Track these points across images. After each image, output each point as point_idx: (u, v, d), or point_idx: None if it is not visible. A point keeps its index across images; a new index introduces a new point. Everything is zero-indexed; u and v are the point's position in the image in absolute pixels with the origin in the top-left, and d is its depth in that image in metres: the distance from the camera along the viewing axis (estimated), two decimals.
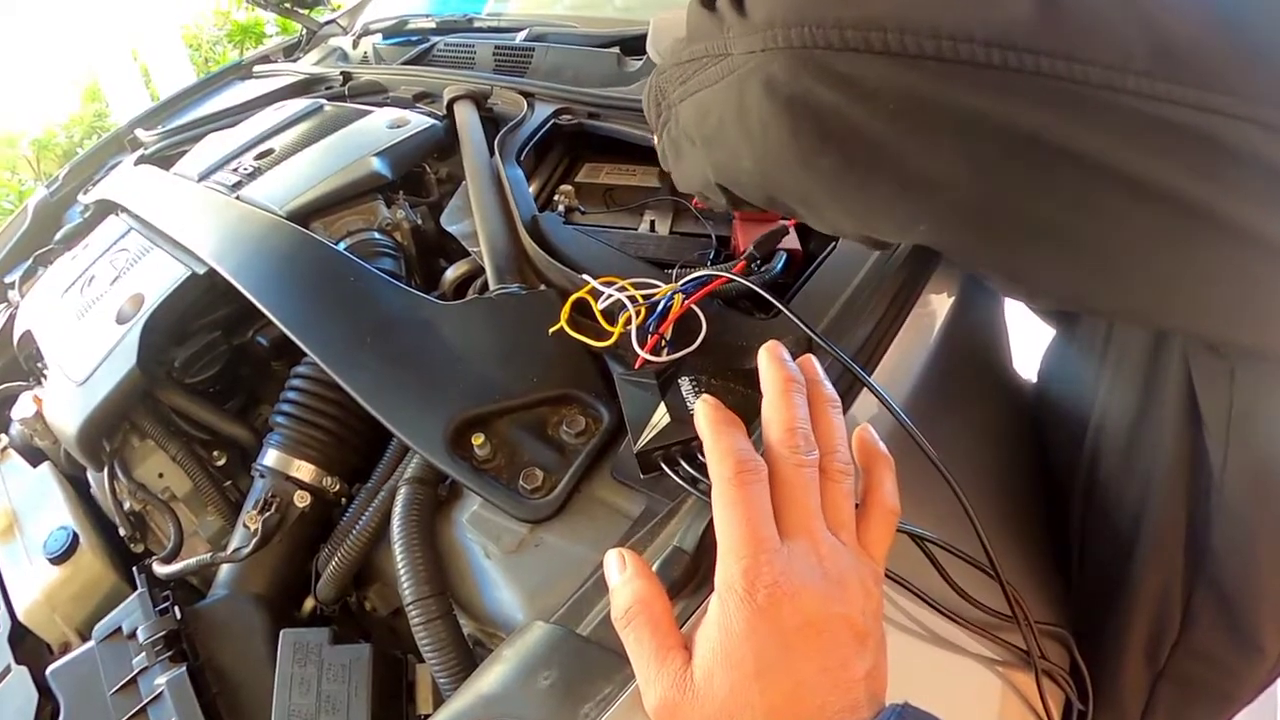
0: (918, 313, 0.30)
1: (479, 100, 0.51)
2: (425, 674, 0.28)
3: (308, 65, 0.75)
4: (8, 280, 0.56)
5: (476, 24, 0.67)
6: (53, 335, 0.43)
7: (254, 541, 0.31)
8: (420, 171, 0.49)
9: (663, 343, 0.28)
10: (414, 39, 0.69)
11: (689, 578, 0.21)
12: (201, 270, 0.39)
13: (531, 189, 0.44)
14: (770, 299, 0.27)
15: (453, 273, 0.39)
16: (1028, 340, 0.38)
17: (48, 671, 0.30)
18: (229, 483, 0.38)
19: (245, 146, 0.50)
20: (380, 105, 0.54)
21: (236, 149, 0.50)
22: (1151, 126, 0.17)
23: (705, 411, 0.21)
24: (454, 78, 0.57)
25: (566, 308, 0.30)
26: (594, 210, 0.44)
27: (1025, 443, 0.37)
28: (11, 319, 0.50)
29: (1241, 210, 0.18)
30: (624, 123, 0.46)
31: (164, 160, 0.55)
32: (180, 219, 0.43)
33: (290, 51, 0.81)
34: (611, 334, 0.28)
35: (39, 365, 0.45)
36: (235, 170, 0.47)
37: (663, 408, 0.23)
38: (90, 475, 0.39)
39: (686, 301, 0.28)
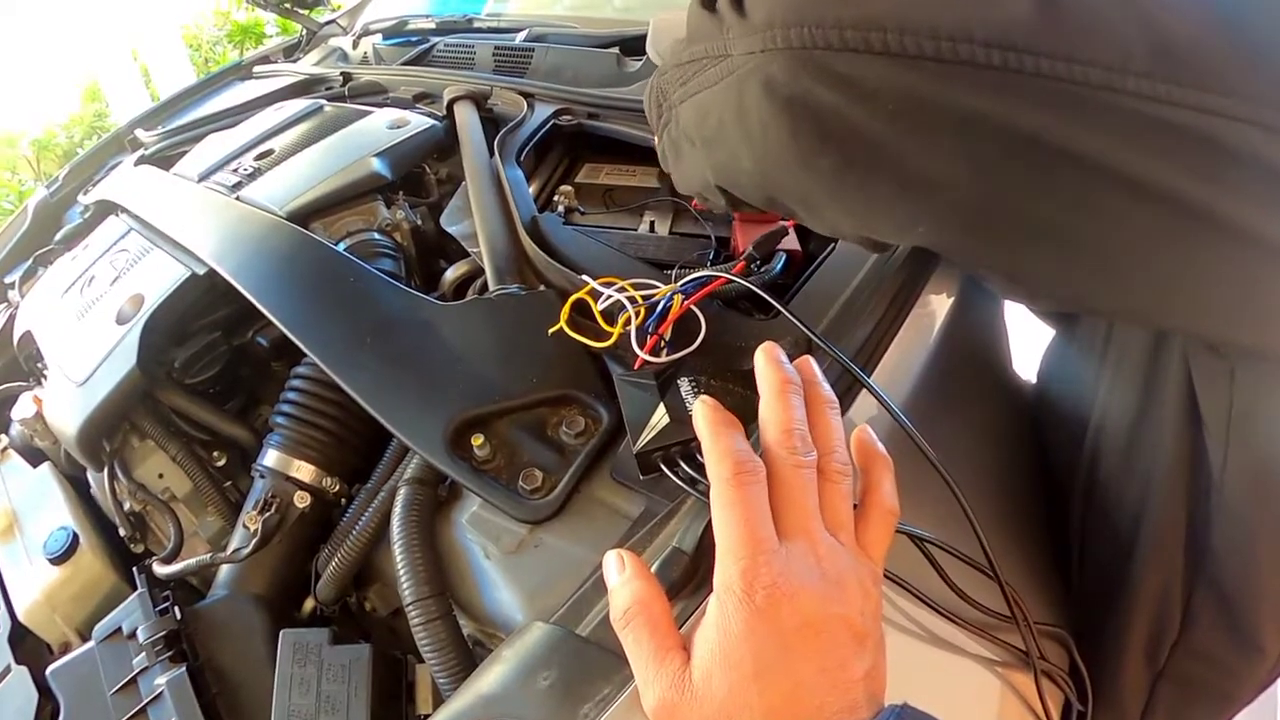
0: (917, 313, 0.30)
1: (479, 101, 0.51)
2: (425, 674, 0.28)
3: (308, 66, 0.75)
4: (8, 280, 0.56)
5: (476, 24, 0.67)
6: (53, 335, 0.43)
7: (254, 542, 0.31)
8: (420, 172, 0.49)
9: (662, 343, 0.28)
10: (414, 39, 0.69)
11: (688, 578, 0.21)
12: (201, 271, 0.39)
13: (531, 189, 0.44)
14: (770, 300, 0.27)
15: (452, 273, 0.40)
16: (1027, 341, 0.38)
17: (48, 671, 0.30)
18: (229, 483, 0.38)
19: (245, 147, 0.50)
20: (380, 106, 0.54)
21: (236, 149, 0.50)
22: (1151, 127, 0.17)
23: (703, 412, 0.21)
24: (454, 78, 0.57)
25: (566, 308, 0.30)
26: (594, 211, 0.44)
27: (1025, 443, 0.37)
28: (11, 319, 0.50)
29: (1241, 211, 0.18)
30: (624, 123, 0.46)
31: (164, 161, 0.55)
32: (180, 219, 0.43)
33: (290, 52, 0.81)
34: (611, 334, 0.28)
35: (39, 365, 0.45)
36: (235, 171, 0.47)
37: (662, 408, 0.23)
38: (90, 475, 0.39)
39: (686, 302, 0.28)
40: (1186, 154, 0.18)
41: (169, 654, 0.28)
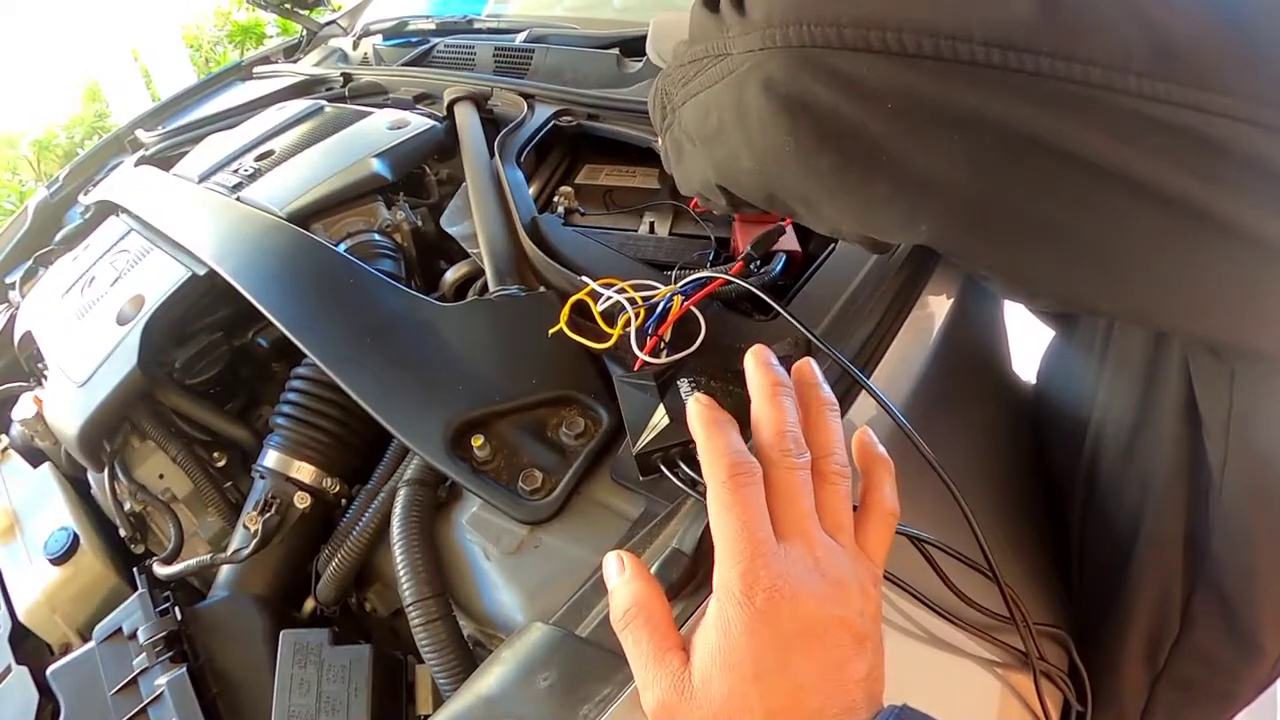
0: (917, 314, 0.30)
1: (479, 101, 0.51)
2: (425, 675, 0.28)
3: (308, 66, 0.75)
4: (8, 281, 0.56)
5: (476, 25, 0.67)
6: (53, 336, 0.43)
7: (254, 543, 0.31)
8: (420, 173, 0.49)
9: (662, 344, 0.28)
10: (414, 40, 0.69)
11: (688, 579, 0.21)
12: (202, 271, 0.39)
13: (531, 190, 0.44)
14: (769, 301, 0.27)
15: (453, 274, 0.40)
16: (1027, 341, 0.38)
17: (48, 672, 0.30)
18: (229, 484, 0.38)
19: (246, 148, 0.50)
20: (381, 106, 0.54)
21: (237, 150, 0.50)
22: (1151, 127, 0.17)
23: (697, 411, 0.21)
24: (454, 79, 0.57)
25: (566, 309, 0.30)
26: (594, 211, 0.44)
27: (1024, 444, 0.37)
28: (12, 320, 0.50)
29: (1241, 211, 0.18)
30: (624, 124, 0.46)
31: (164, 161, 0.55)
32: (181, 220, 0.43)
33: (291, 52, 0.81)
34: (611, 335, 0.28)
35: (39, 366, 0.45)
36: (236, 171, 0.47)
37: (662, 409, 0.23)
38: (91, 476, 0.39)
39: (685, 303, 0.28)
40: (1186, 153, 0.18)
41: (169, 654, 0.28)
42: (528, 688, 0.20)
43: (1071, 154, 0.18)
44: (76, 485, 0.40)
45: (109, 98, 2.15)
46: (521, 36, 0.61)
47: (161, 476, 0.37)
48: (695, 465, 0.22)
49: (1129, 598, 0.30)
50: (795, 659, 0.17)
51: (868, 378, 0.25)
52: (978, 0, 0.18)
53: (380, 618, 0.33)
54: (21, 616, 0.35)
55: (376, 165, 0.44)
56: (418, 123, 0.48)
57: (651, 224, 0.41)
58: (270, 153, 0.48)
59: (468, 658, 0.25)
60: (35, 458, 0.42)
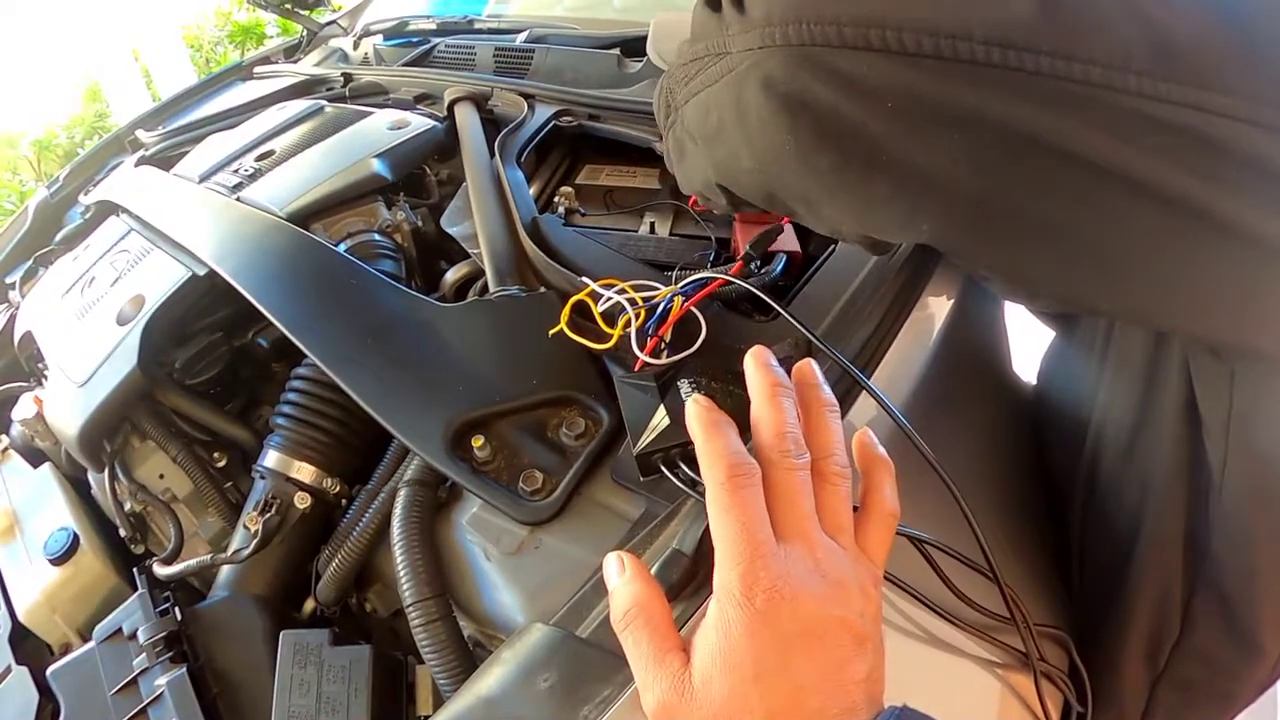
0: (917, 315, 0.30)
1: (480, 102, 0.51)
2: (425, 675, 0.28)
3: (308, 66, 0.75)
4: (8, 281, 0.56)
5: (477, 25, 0.67)
6: (53, 336, 0.43)
7: (254, 543, 0.31)
8: (421, 173, 0.49)
9: (662, 345, 0.28)
10: (415, 40, 0.69)
11: (688, 580, 0.21)
12: (202, 271, 0.39)
13: (532, 190, 0.44)
14: (769, 301, 0.27)
15: (453, 274, 0.40)
16: (1027, 342, 0.38)
17: (48, 672, 0.30)
18: (230, 484, 0.38)
19: (246, 148, 0.50)
20: (381, 106, 0.54)
21: (237, 150, 0.50)
22: (1151, 126, 0.17)
23: (696, 412, 0.21)
24: (455, 79, 0.57)
25: (566, 310, 0.30)
26: (594, 212, 0.44)
27: (1025, 445, 0.37)
28: (12, 320, 0.50)
29: (1240, 211, 0.18)
30: (624, 124, 0.46)
31: (165, 161, 0.55)
32: (181, 220, 0.43)
33: (291, 52, 0.81)
34: (611, 336, 0.28)
35: (40, 366, 0.45)
36: (236, 171, 0.47)
37: (662, 410, 0.23)
38: (91, 476, 0.39)
39: (686, 304, 0.28)
40: (1186, 153, 0.18)
41: (169, 655, 0.28)
42: (528, 688, 0.20)
43: (1071, 153, 0.18)
44: (77, 485, 0.40)
45: (109, 98, 2.15)
46: (522, 37, 0.61)
47: (162, 476, 0.37)
48: (695, 466, 0.22)
49: (1129, 598, 0.30)
50: (796, 660, 0.17)
51: (868, 378, 0.25)
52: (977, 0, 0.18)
53: (380, 618, 0.33)
54: (21, 617, 0.35)
55: (377, 165, 0.44)
56: (418, 123, 0.48)
57: (652, 224, 0.41)
58: (270, 153, 0.48)
59: (468, 658, 0.25)
60: (35, 458, 0.42)
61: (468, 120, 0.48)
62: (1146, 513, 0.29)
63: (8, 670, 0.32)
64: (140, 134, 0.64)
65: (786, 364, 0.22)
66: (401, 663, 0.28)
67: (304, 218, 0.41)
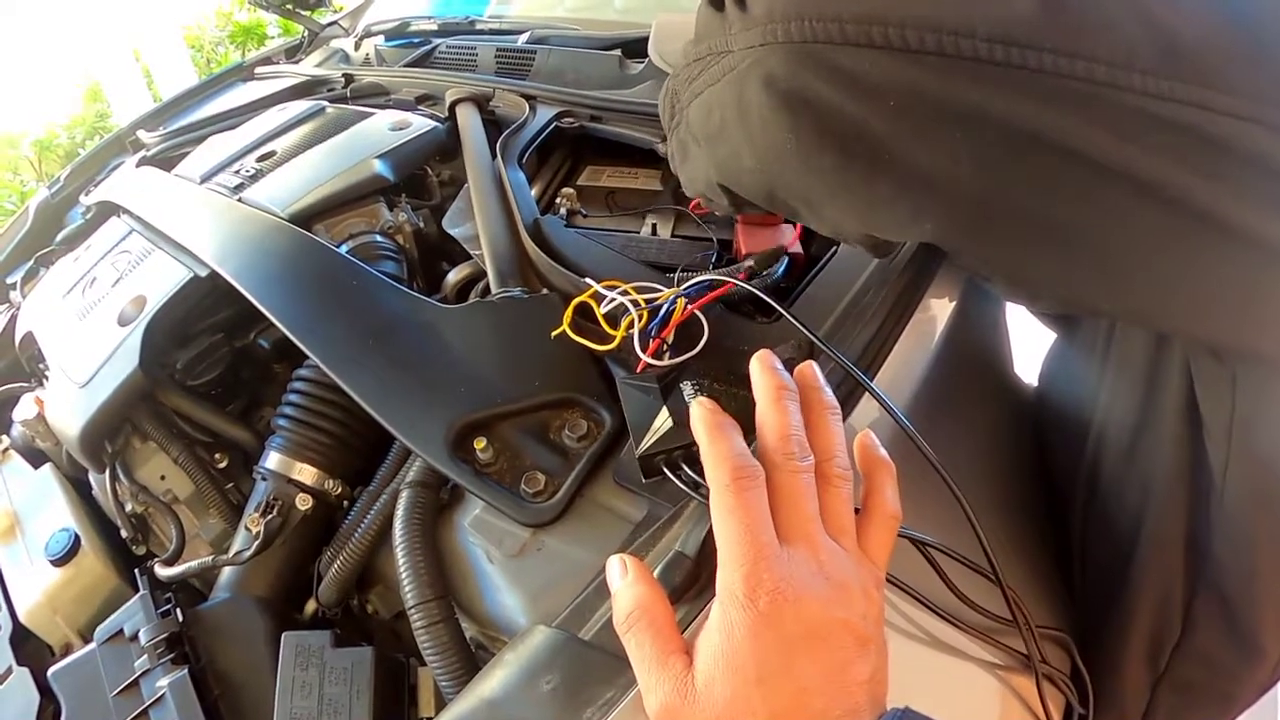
0: (919, 317, 0.30)
1: (481, 103, 0.51)
2: (427, 677, 0.28)
3: (310, 67, 0.75)
4: (9, 281, 0.56)
5: (478, 26, 0.67)
6: (54, 337, 0.43)
7: (256, 544, 0.31)
8: (422, 174, 0.49)
9: (665, 347, 0.28)
10: (416, 41, 0.69)
11: (691, 582, 0.21)
12: (203, 272, 0.39)
13: (533, 192, 0.44)
14: (772, 303, 0.27)
15: (455, 276, 0.40)
16: (1029, 343, 0.38)
17: (49, 673, 0.30)
18: (231, 485, 0.38)
19: (247, 148, 0.50)
20: (382, 107, 0.54)
21: (238, 151, 0.50)
22: (1155, 125, 0.17)
23: (700, 414, 0.21)
24: (456, 80, 0.57)
25: (569, 311, 0.30)
26: (596, 213, 0.44)
27: (1026, 446, 0.37)
28: (13, 320, 0.50)
29: (1243, 211, 0.18)
30: (626, 125, 0.46)
31: (166, 162, 0.55)
32: (182, 221, 0.43)
33: (292, 53, 0.81)
34: (613, 338, 0.28)
35: (41, 366, 0.45)
36: (237, 172, 0.47)
37: (665, 412, 0.23)
38: (92, 477, 0.39)
39: (690, 307, 0.28)
40: (1189, 152, 0.18)
41: (171, 656, 0.28)
42: (531, 691, 0.20)
43: (1074, 151, 0.18)
44: (77, 486, 0.40)
45: (110, 98, 2.15)
46: (523, 38, 0.61)
47: (163, 478, 0.37)
48: (698, 468, 0.22)
49: (1130, 599, 0.30)
50: (799, 661, 0.17)
51: (871, 380, 0.25)
52: None
53: (382, 619, 0.32)
54: (22, 617, 0.34)
55: (378, 166, 0.44)
56: (419, 124, 0.48)
57: (654, 226, 0.41)
58: (272, 153, 0.48)
59: (470, 660, 0.25)
60: (36, 458, 0.42)
61: (469, 121, 0.48)
62: (1148, 514, 0.29)
63: (9, 671, 0.32)
64: (141, 134, 0.64)
65: (789, 365, 0.22)
66: (403, 664, 0.28)
67: (306, 219, 0.41)
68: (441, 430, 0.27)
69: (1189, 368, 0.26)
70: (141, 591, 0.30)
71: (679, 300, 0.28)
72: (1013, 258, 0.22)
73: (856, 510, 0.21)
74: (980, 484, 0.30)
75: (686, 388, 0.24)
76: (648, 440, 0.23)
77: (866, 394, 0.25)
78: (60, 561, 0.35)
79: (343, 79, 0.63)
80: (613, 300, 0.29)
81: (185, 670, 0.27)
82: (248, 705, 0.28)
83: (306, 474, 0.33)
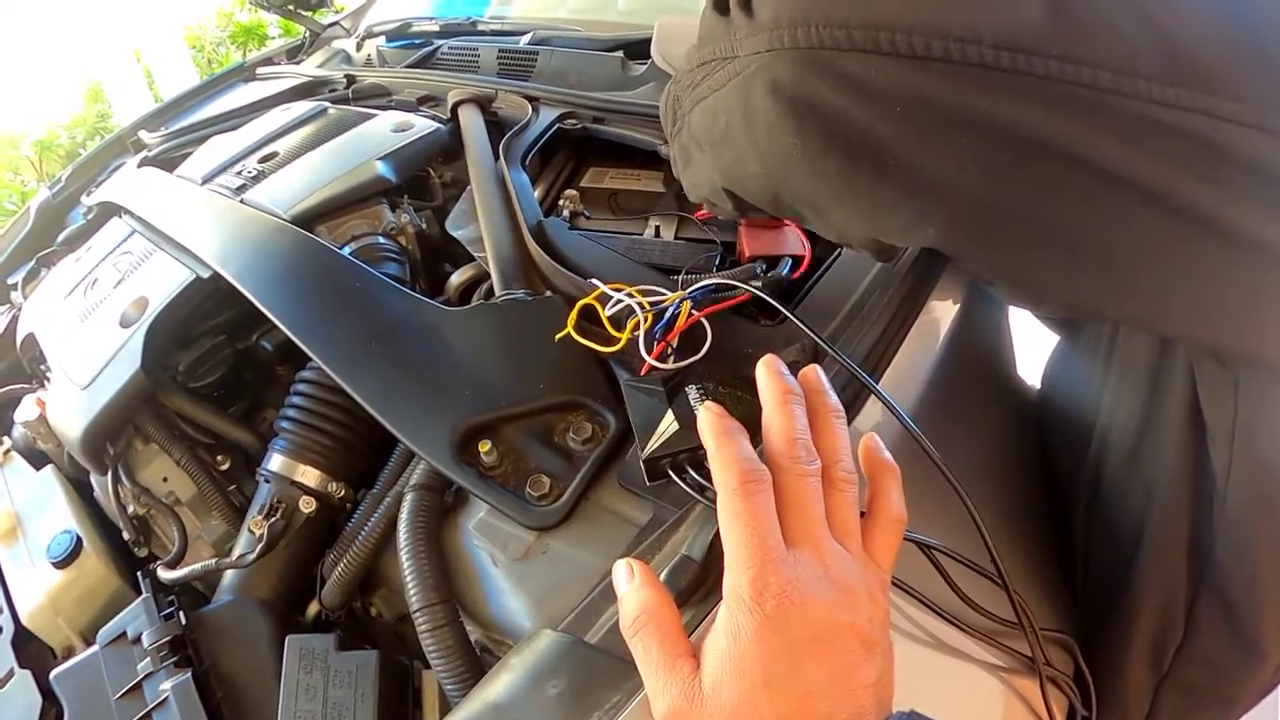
0: (923, 319, 0.30)
1: (484, 104, 0.51)
2: (431, 680, 0.28)
3: (311, 68, 0.75)
4: (10, 282, 0.56)
5: (480, 27, 0.67)
6: (56, 338, 0.43)
7: (259, 547, 0.31)
8: (424, 175, 0.49)
9: (669, 349, 0.28)
10: (418, 42, 0.69)
11: (697, 586, 0.21)
12: (206, 274, 0.39)
13: (536, 194, 0.44)
14: (778, 306, 0.27)
15: (458, 278, 0.40)
16: (1032, 345, 0.38)
17: (51, 676, 0.30)
18: (233, 487, 0.38)
19: (249, 149, 0.50)
20: (384, 108, 0.54)
21: (240, 152, 0.50)
22: (1159, 131, 0.17)
23: (708, 419, 0.21)
24: (458, 81, 0.57)
25: (574, 314, 0.30)
26: (599, 215, 0.44)
27: (1029, 448, 0.37)
28: (14, 321, 0.50)
29: (1245, 216, 0.18)
30: (629, 127, 0.46)
31: (167, 162, 0.55)
32: (184, 222, 0.43)
33: (294, 54, 0.81)
34: (618, 340, 0.28)
35: (42, 368, 0.45)
36: (239, 173, 0.47)
37: (670, 415, 0.23)
38: (94, 479, 0.39)
39: (696, 314, 0.28)
40: (1193, 158, 0.18)
41: (174, 659, 0.28)
42: (537, 695, 0.20)
43: (1080, 158, 0.18)
44: (79, 487, 0.40)
45: (111, 98, 2.14)
46: (525, 39, 0.61)
47: (165, 480, 0.37)
48: (703, 471, 0.22)
49: (1133, 602, 0.30)
50: (805, 665, 0.17)
51: (876, 383, 0.25)
52: (987, 3, 0.18)
53: (385, 622, 0.32)
54: (24, 619, 0.34)
55: (381, 168, 0.44)
56: (422, 125, 0.48)
57: (657, 228, 0.41)
58: (274, 154, 0.48)
59: (475, 664, 0.25)
60: (38, 460, 0.42)
61: (472, 123, 0.48)
62: (1151, 518, 0.29)
63: (10, 674, 0.32)
64: (143, 135, 0.64)
65: (793, 368, 0.22)
66: (407, 668, 0.28)
67: (308, 220, 0.41)
68: (446, 433, 0.27)
69: (1192, 372, 0.26)
70: (144, 594, 0.30)
71: (684, 304, 0.28)
72: (1017, 263, 0.22)
73: (862, 513, 0.21)
74: (984, 486, 0.30)
75: (692, 391, 0.24)
76: (653, 444, 0.23)
77: (870, 396, 0.25)
78: (62, 563, 0.35)
79: (345, 80, 0.63)
80: (619, 302, 0.29)
81: (189, 673, 0.27)
82: (251, 708, 0.28)
83: (310, 476, 0.33)
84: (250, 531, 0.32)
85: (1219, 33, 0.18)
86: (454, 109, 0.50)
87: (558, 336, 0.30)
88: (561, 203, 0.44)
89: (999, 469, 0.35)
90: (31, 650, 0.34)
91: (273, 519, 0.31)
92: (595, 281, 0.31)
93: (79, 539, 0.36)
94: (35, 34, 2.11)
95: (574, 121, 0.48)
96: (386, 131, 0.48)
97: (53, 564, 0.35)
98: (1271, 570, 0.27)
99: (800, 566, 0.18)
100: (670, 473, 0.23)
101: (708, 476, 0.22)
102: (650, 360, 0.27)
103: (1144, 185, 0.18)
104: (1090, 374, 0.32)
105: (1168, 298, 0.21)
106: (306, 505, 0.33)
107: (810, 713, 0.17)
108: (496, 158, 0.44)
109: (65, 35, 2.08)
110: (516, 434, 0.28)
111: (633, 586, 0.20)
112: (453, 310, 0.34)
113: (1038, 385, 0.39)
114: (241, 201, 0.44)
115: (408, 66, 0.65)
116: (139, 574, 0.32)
